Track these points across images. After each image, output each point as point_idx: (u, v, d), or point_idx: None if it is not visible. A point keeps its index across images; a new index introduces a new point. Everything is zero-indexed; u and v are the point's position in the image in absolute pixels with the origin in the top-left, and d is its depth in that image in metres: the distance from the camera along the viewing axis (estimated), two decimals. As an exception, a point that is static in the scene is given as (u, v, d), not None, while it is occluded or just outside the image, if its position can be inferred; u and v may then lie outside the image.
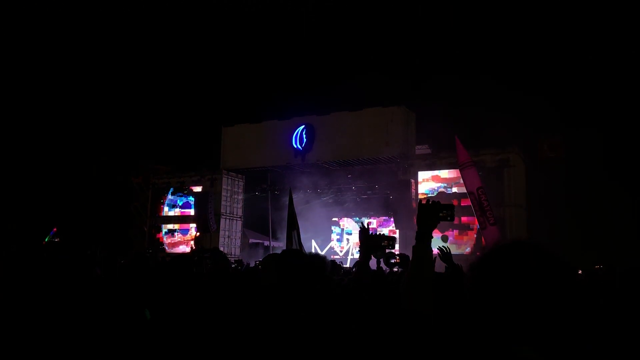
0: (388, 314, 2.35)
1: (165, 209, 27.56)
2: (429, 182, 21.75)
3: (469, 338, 1.23)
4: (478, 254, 1.38)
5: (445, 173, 21.55)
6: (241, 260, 13.28)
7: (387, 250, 3.85)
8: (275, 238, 25.54)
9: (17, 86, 28.24)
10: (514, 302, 1.19)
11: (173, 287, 2.99)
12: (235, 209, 26.96)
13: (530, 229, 20.39)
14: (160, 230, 27.45)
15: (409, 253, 2.28)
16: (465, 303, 1.32)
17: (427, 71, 29.60)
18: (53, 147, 28.82)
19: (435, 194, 21.14)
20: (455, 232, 20.46)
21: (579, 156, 20.84)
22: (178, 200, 27.23)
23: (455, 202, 19.28)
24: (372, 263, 3.43)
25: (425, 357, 1.69)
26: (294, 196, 12.83)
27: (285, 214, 14.03)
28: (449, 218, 2.25)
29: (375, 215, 25.20)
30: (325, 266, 2.40)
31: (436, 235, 18.09)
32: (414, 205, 20.90)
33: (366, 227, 3.12)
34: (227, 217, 26.39)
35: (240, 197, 27.25)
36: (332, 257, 22.19)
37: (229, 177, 26.56)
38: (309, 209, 23.50)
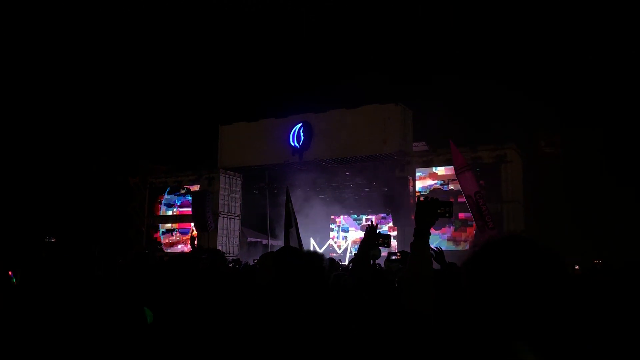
0: (388, 313, 2.35)
1: (163, 208, 27.53)
2: (425, 180, 21.79)
3: (466, 335, 1.22)
4: (470, 249, 1.39)
5: (442, 170, 21.58)
6: (239, 259, 13.27)
7: (384, 249, 3.84)
8: (273, 236, 25.56)
9: (15, 86, 28.16)
10: (507, 297, 1.19)
11: (171, 287, 2.99)
12: (233, 208, 26.94)
13: (528, 224, 20.44)
14: (157, 229, 27.42)
15: (408, 250, 2.28)
16: (461, 300, 1.32)
17: (425, 69, 29.62)
18: (51, 147, 28.75)
19: (427, 191, 21.14)
20: (452, 228, 20.49)
21: (576, 152, 20.90)
22: (176, 200, 27.21)
23: (451, 200, 19.28)
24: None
25: (424, 355, 1.69)
26: (292, 194, 12.82)
27: (283, 212, 14.03)
28: (447, 215, 2.25)
29: (374, 212, 25.22)
30: (323, 264, 2.39)
31: (434, 233, 18.10)
32: (412, 202, 20.93)
33: (374, 226, 3.13)
34: (225, 216, 26.36)
35: (238, 195, 27.23)
36: (330, 254, 22.20)
37: (227, 175, 26.53)
38: (307, 207, 23.50)
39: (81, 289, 2.34)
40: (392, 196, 21.33)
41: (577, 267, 11.77)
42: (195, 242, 24.25)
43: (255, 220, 28.06)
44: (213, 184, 26.01)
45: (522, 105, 23.68)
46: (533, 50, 27.95)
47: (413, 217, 2.26)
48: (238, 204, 27.20)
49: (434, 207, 2.21)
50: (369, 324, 2.31)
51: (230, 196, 26.77)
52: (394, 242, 19.94)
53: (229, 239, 26.33)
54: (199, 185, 26.32)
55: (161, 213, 27.58)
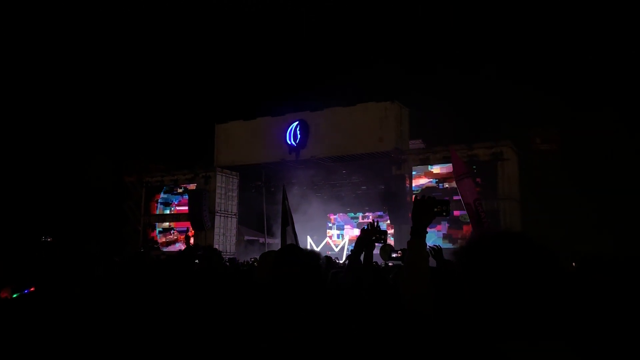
0: (386, 312, 2.35)
1: (160, 207, 27.47)
2: (420, 178, 21.84)
3: (463, 333, 1.22)
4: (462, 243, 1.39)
5: (437, 169, 21.63)
6: (234, 258, 13.27)
7: (381, 244, 3.83)
8: (270, 235, 25.54)
9: (11, 85, 28.03)
10: (499, 292, 1.18)
11: (168, 286, 2.98)
12: (230, 206, 26.90)
13: (524, 221, 20.49)
14: (154, 228, 27.37)
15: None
16: (458, 297, 1.31)
17: (422, 67, 29.63)
18: (46, 146, 28.64)
19: (419, 190, 21.16)
20: (447, 225, 20.51)
21: (572, 149, 20.95)
22: (174, 199, 27.15)
23: (446, 198, 19.30)
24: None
25: (423, 354, 1.69)
26: (289, 192, 12.82)
27: (280, 210, 14.02)
28: (444, 213, 2.26)
29: (371, 210, 25.23)
30: (321, 263, 2.39)
31: (430, 231, 18.10)
32: (409, 199, 20.95)
33: (375, 225, 3.13)
34: (222, 215, 26.32)
35: (235, 194, 27.19)
36: (327, 252, 22.19)
37: (223, 174, 26.49)
38: (303, 205, 23.49)
39: (84, 288, 2.33)
40: (389, 194, 21.32)
41: (573, 263, 11.80)
42: (191, 241, 24.23)
43: (252, 219, 28.05)
44: (210, 182, 25.96)
45: (518, 102, 23.74)
46: (529, 48, 28.00)
47: (410, 216, 2.26)
48: (235, 202, 27.16)
49: (431, 206, 2.22)
50: (369, 322, 2.31)
51: (226, 195, 26.73)
52: (390, 240, 19.97)
53: (225, 237, 26.30)
54: (195, 184, 26.29)
55: (157, 212, 27.51)
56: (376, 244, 3.17)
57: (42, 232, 20.00)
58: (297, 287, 2.15)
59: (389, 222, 22.18)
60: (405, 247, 2.28)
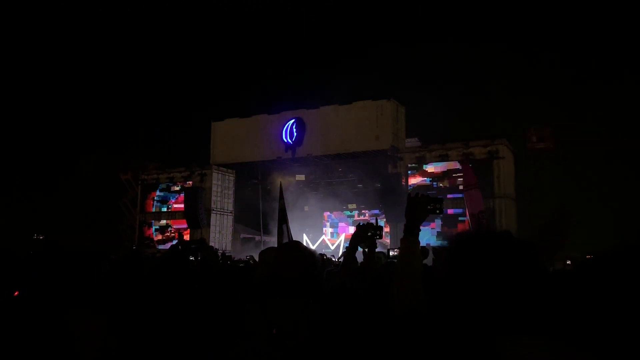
0: (381, 310, 2.34)
1: (156, 205, 27.39)
2: (415, 177, 21.89)
3: (454, 330, 1.22)
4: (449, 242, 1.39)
5: (431, 168, 21.69)
6: (230, 255, 13.25)
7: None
8: (267, 232, 25.50)
9: (8, 82, 27.90)
10: (483, 290, 1.19)
11: (162, 282, 2.97)
12: (226, 204, 26.86)
13: (520, 220, 20.55)
14: (150, 226, 27.31)
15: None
16: (449, 295, 1.32)
17: (418, 64, 29.65)
18: (42, 142, 28.53)
19: (411, 189, 21.20)
20: (440, 223, 20.54)
21: (568, 147, 21.01)
22: (171, 197, 27.08)
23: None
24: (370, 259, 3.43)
25: (416, 351, 1.68)
26: (285, 190, 12.81)
27: (275, 208, 14.01)
28: (437, 211, 2.26)
29: (367, 208, 25.23)
30: (314, 258, 2.40)
31: (424, 229, 18.11)
32: (405, 198, 20.95)
33: (375, 223, 3.13)
34: (218, 213, 26.29)
35: (231, 192, 27.15)
36: (322, 251, 22.20)
37: (219, 172, 26.44)
38: (299, 203, 23.48)
39: (91, 284, 2.32)
40: (385, 192, 21.33)
41: (568, 262, 11.80)
42: (185, 238, 24.18)
43: (248, 217, 28.01)
44: (205, 180, 25.92)
45: (514, 100, 23.79)
46: (524, 46, 28.05)
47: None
48: (231, 200, 27.12)
49: (424, 204, 2.22)
50: (366, 322, 2.30)
51: (222, 192, 26.69)
52: (386, 238, 19.98)
53: (221, 235, 26.27)
54: (191, 182, 26.23)
55: (154, 209, 27.43)
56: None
57: (35, 230, 19.92)
58: (298, 282, 2.16)
59: (385, 220, 22.19)
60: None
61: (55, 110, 29.62)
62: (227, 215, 26.86)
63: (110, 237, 25.73)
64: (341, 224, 26.10)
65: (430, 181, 21.50)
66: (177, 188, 26.81)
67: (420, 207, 2.20)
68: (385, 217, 21.52)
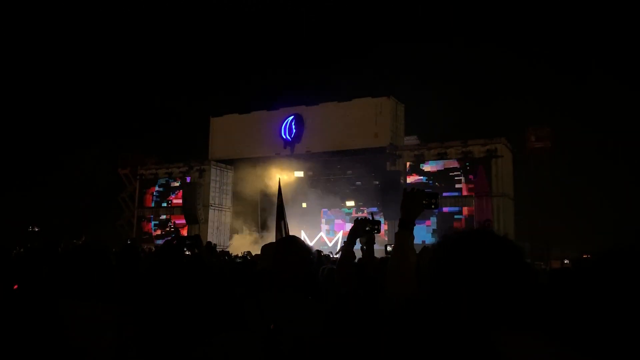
0: (378, 307, 2.34)
1: (156, 200, 27.34)
2: (411, 176, 21.90)
3: (451, 323, 1.23)
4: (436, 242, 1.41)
5: (427, 167, 21.70)
6: (228, 251, 13.26)
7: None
8: (265, 229, 25.48)
9: (8, 77, 27.83)
10: (469, 288, 1.20)
11: (157, 277, 2.96)
12: (224, 200, 26.85)
13: (518, 219, 20.57)
14: (149, 221, 27.27)
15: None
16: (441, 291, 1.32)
17: (418, 63, 29.64)
18: (41, 137, 28.48)
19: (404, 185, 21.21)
20: (436, 220, 20.55)
21: (566, 146, 21.04)
22: (171, 192, 27.04)
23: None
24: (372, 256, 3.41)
25: (413, 344, 1.68)
26: (283, 187, 12.79)
27: (273, 204, 14.01)
28: (432, 206, 2.25)
29: (365, 205, 25.21)
30: (312, 257, 2.40)
31: (419, 225, 18.15)
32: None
33: (372, 218, 3.12)
34: (216, 208, 26.27)
35: (229, 188, 27.13)
36: (319, 247, 22.19)
37: (218, 167, 26.43)
38: (298, 200, 23.46)
39: (100, 278, 2.32)
40: (383, 189, 21.33)
41: (566, 261, 11.85)
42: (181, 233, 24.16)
43: (246, 213, 27.97)
44: (204, 175, 25.91)
45: (513, 100, 23.81)
46: (524, 46, 28.05)
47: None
48: (229, 196, 27.11)
49: (420, 198, 2.22)
50: (360, 318, 2.30)
51: (221, 188, 26.68)
52: (385, 236, 19.98)
53: (219, 231, 26.26)
54: (189, 177, 26.21)
55: (153, 204, 27.40)
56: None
57: (31, 223, 19.90)
58: (296, 276, 2.17)
59: (383, 217, 22.19)
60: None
61: (53, 104, 29.58)
62: (225, 211, 26.84)
63: (108, 232, 25.71)
64: (337, 221, 26.02)
65: (426, 180, 21.49)
66: (177, 184, 26.77)
67: (415, 201, 2.20)
68: (383, 215, 21.53)
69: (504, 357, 1.11)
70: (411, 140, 23.55)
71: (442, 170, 21.31)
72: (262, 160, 24.85)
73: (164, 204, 27.14)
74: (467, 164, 20.61)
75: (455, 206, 20.42)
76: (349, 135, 22.19)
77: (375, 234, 3.19)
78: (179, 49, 35.21)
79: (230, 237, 26.47)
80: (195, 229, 24.31)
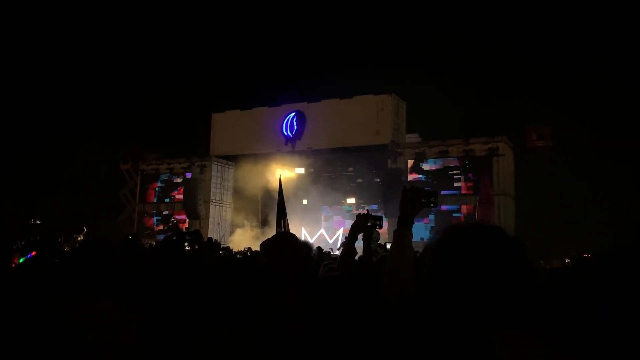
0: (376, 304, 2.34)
1: (158, 195, 27.34)
2: (411, 175, 21.91)
3: (450, 321, 1.22)
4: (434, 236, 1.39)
5: (426, 166, 21.69)
6: (228, 247, 13.27)
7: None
8: (265, 225, 25.48)
9: (9, 70, 27.83)
10: (470, 284, 1.19)
11: (158, 273, 2.96)
12: (225, 196, 26.86)
13: (519, 217, 20.55)
14: (151, 216, 27.29)
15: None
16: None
17: (420, 60, 29.58)
18: (42, 131, 28.49)
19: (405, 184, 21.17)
20: (434, 218, 20.54)
21: (567, 145, 20.99)
22: (172, 187, 27.04)
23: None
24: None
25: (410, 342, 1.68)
26: (284, 184, 12.81)
27: (274, 201, 14.02)
28: (431, 205, 2.24)
29: (366, 202, 25.17)
30: (312, 254, 2.40)
31: (418, 223, 18.12)
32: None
33: (367, 214, 3.12)
34: (217, 204, 26.28)
35: (230, 184, 27.14)
36: (320, 244, 22.17)
37: (219, 163, 26.44)
38: (299, 196, 23.44)
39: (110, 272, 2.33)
40: (384, 187, 21.32)
41: (567, 260, 11.81)
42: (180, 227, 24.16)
43: (247, 209, 27.97)
44: (205, 171, 25.92)
45: (515, 98, 23.76)
46: (525, 44, 27.98)
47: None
48: (230, 192, 27.12)
49: (419, 196, 2.21)
50: (357, 314, 2.29)
51: (222, 184, 26.69)
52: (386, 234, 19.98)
53: (220, 227, 26.27)
54: (190, 173, 26.23)
55: (155, 200, 27.41)
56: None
57: (32, 216, 19.91)
58: (292, 272, 2.17)
59: (384, 215, 22.15)
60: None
61: (55, 99, 29.58)
62: (225, 207, 26.85)
63: (109, 227, 25.71)
64: (338, 218, 25.96)
65: (425, 178, 21.48)
66: (179, 180, 26.76)
67: (414, 200, 2.19)
68: (385, 212, 21.52)
69: (502, 356, 1.11)
70: (413, 137, 23.52)
71: (441, 169, 21.31)
72: (263, 156, 24.83)
73: (167, 200, 27.14)
74: (467, 162, 20.60)
75: (453, 204, 20.45)
76: (351, 133, 22.17)
77: (378, 230, 3.19)
78: (180, 44, 35.15)
79: (231, 233, 26.49)
80: (196, 225, 24.34)
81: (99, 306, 2.12)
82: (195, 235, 3.32)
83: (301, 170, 24.45)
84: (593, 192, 19.40)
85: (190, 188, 24.75)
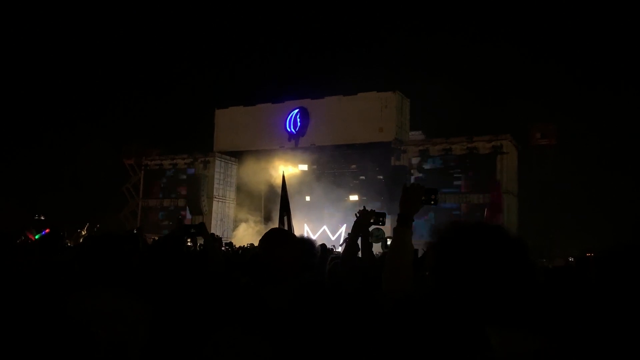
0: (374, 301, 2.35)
1: (163, 190, 27.35)
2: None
3: (447, 317, 1.23)
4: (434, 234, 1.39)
5: (428, 166, 21.65)
6: (231, 242, 13.29)
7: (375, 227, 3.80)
8: (269, 220, 25.49)
9: (13, 67, 27.89)
10: (472, 281, 1.20)
11: (161, 268, 2.97)
12: (228, 192, 26.89)
13: (522, 215, 20.52)
14: (155, 211, 27.32)
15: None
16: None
17: (425, 58, 29.52)
18: (46, 127, 28.56)
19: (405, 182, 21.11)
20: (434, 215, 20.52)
21: (571, 144, 20.95)
22: (176, 183, 27.05)
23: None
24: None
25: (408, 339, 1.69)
26: (287, 181, 12.78)
27: (277, 197, 14.01)
28: (432, 202, 2.23)
29: (369, 200, 25.13)
30: (315, 250, 2.40)
31: (418, 220, 18.14)
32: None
33: (368, 211, 3.12)
34: (220, 200, 26.31)
35: (234, 180, 27.17)
36: (321, 241, 22.12)
37: (222, 159, 26.45)
38: (302, 193, 23.44)
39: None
40: (387, 184, 21.30)
41: (571, 259, 11.78)
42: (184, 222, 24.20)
43: (250, 205, 28.00)
44: (208, 167, 25.94)
45: (519, 97, 23.69)
46: (531, 44, 27.89)
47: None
48: (233, 188, 27.14)
49: (419, 194, 2.21)
50: (355, 311, 2.30)
51: (225, 180, 26.72)
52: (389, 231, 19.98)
53: (223, 223, 26.31)
54: (194, 169, 26.26)
55: (161, 196, 27.43)
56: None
57: (36, 211, 20.00)
58: (287, 267, 2.18)
59: (387, 212, 22.11)
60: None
61: (59, 95, 29.63)
62: (228, 202, 26.88)
63: (112, 222, 25.79)
64: (340, 215, 25.92)
65: (425, 176, 21.44)
66: (184, 176, 26.76)
67: (414, 197, 2.19)
68: (388, 210, 21.50)
69: (499, 353, 1.12)
70: (416, 135, 23.48)
71: (441, 168, 21.27)
72: (266, 152, 24.84)
73: (173, 195, 27.15)
74: (467, 161, 20.57)
75: (454, 203, 20.46)
76: (354, 129, 22.15)
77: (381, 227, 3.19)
78: (185, 40, 35.16)
79: (234, 228, 26.53)
80: (199, 220, 24.33)
81: (110, 301, 2.14)
82: (200, 228, 3.31)
83: (304, 167, 24.44)
84: (596, 191, 19.36)
85: (194, 184, 24.78)
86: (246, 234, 25.60)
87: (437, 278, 1.29)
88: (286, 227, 9.87)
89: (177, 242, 3.20)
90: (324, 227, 25.09)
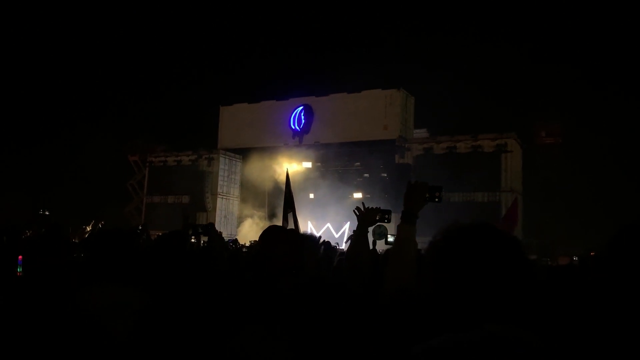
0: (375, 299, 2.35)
1: (166, 187, 27.36)
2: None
3: (446, 315, 1.25)
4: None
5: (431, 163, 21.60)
6: (236, 239, 13.31)
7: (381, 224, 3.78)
8: (274, 217, 25.51)
9: (17, 63, 27.99)
10: (472, 281, 1.21)
11: (162, 266, 2.98)
12: (232, 189, 26.92)
13: (526, 214, 20.45)
14: (161, 208, 27.35)
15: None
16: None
17: (429, 56, 29.46)
18: (51, 123, 28.67)
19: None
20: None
21: (576, 142, 20.86)
22: (180, 179, 27.06)
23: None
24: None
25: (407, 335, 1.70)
26: (291, 178, 12.78)
27: (282, 194, 14.01)
28: (436, 200, 2.23)
29: (373, 197, 25.11)
30: (319, 247, 2.41)
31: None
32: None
33: (377, 207, 3.10)
34: (224, 197, 26.35)
35: (238, 177, 27.20)
36: (325, 239, 22.13)
37: (227, 156, 26.48)
38: (306, 190, 23.45)
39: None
40: (391, 182, 21.29)
41: (575, 257, 11.75)
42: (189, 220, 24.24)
43: (254, 202, 28.03)
44: (212, 164, 25.98)
45: (524, 95, 23.62)
46: (535, 41, 27.79)
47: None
48: (237, 185, 27.18)
49: (424, 191, 2.21)
50: (354, 309, 2.31)
51: (229, 177, 26.75)
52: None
53: (227, 219, 26.36)
54: (198, 165, 26.29)
55: (165, 192, 27.44)
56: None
57: (41, 207, 20.09)
58: (283, 263, 2.19)
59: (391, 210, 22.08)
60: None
61: (64, 91, 29.73)
62: (233, 199, 26.91)
63: (116, 218, 25.86)
64: (345, 212, 25.91)
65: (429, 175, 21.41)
66: (188, 174, 26.77)
67: (418, 194, 2.19)
68: (391, 208, 21.47)
69: (497, 351, 1.13)
70: (421, 133, 23.43)
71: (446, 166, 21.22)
72: (270, 150, 24.85)
73: (177, 192, 27.15)
74: (472, 159, 20.51)
75: (458, 200, 20.45)
76: (358, 127, 22.12)
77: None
78: (189, 37, 35.22)
79: (238, 225, 26.58)
80: (202, 217, 24.41)
81: (119, 296, 2.16)
82: (208, 229, 3.33)
83: (308, 164, 24.44)
84: (601, 190, 19.28)
85: (198, 181, 24.83)
86: (251, 230, 25.62)
87: (436, 275, 1.30)
88: (291, 225, 9.86)
89: (181, 239, 3.22)
90: (327, 225, 25.09)
